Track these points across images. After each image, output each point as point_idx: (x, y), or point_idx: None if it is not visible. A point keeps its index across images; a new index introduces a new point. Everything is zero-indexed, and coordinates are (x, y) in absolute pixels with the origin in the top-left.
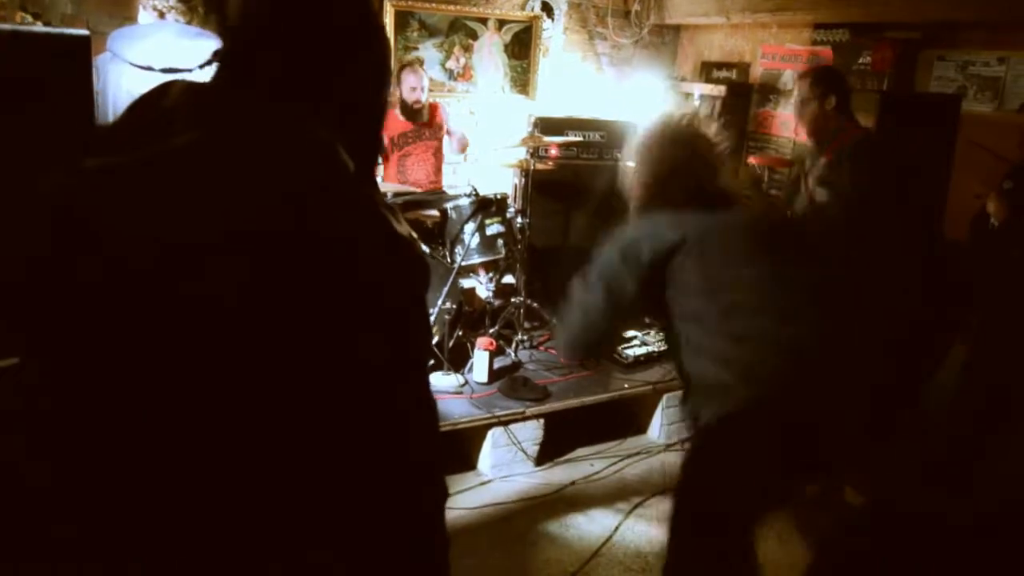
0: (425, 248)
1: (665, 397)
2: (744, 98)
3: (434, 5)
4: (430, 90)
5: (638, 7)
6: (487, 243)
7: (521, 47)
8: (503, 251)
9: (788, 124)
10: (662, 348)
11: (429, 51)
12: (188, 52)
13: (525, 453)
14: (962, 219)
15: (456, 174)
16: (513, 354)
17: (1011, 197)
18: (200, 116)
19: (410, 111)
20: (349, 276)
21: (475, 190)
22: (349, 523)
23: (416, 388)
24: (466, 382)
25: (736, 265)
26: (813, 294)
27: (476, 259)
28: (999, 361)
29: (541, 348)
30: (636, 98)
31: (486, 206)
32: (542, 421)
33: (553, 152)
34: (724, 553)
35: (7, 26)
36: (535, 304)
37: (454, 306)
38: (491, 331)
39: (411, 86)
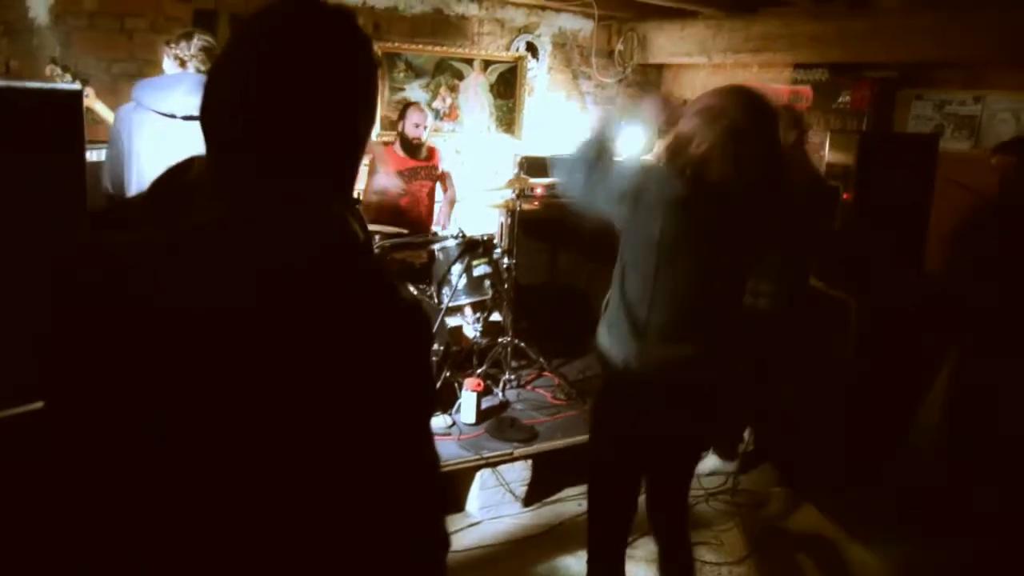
0: (413, 289)
1: None
2: None
3: (420, 46)
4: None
5: (621, 47)
6: (474, 284)
7: (506, 87)
8: (490, 292)
9: None
10: None
11: (415, 91)
12: None
13: (513, 494)
14: (941, 253)
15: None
16: (501, 394)
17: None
18: (220, 194)
19: (410, 146)
20: (360, 351)
21: (462, 232)
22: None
23: (422, 444)
24: (454, 423)
25: (690, 254)
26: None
27: (463, 300)
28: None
29: (528, 387)
30: (622, 136)
31: (473, 248)
32: (530, 462)
33: (539, 191)
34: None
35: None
36: (522, 344)
37: (441, 347)
38: (479, 371)
39: (415, 122)
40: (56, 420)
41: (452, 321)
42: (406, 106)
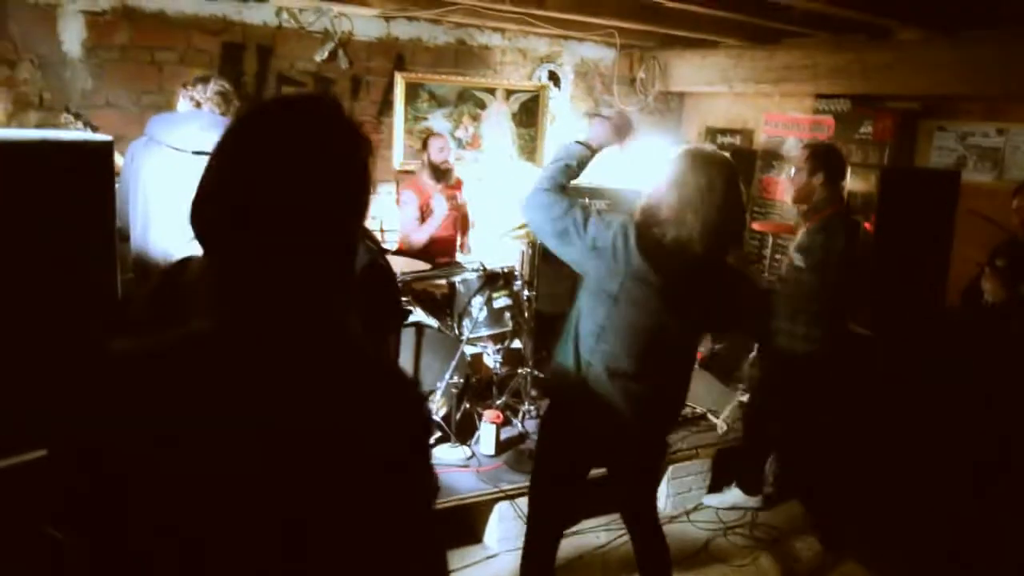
0: (434, 322)
1: (671, 468)
2: (748, 164)
3: (443, 76)
4: None
5: (643, 75)
6: (495, 316)
7: (528, 115)
8: (510, 324)
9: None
10: None
11: (438, 121)
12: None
13: None
14: (963, 287)
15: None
16: (520, 424)
17: (1005, 274)
18: (218, 301)
19: (438, 171)
20: (359, 463)
21: (483, 265)
22: None
23: (427, 541)
24: (473, 454)
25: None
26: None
27: (484, 332)
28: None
29: None
30: (643, 164)
31: (493, 280)
32: None
33: None
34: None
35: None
36: (541, 375)
37: (461, 380)
38: (498, 402)
39: (439, 147)
40: (90, 545)
41: (472, 349)
42: (426, 138)
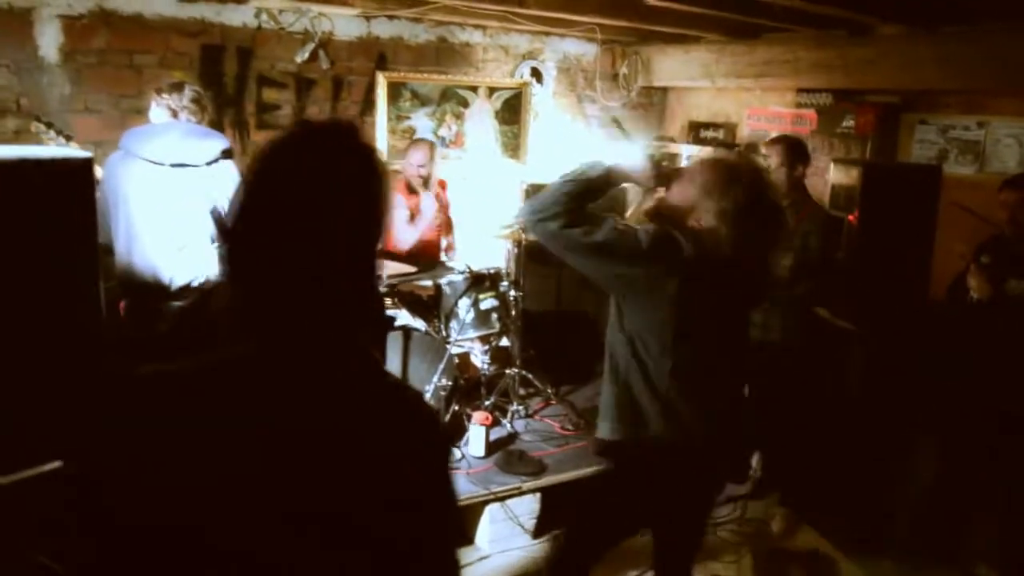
0: (421, 324)
1: None
2: None
3: (425, 75)
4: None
5: (625, 70)
6: (482, 318)
7: (511, 112)
8: (497, 325)
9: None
10: None
11: (421, 120)
12: (196, 150)
13: (523, 527)
14: (947, 278)
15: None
16: (509, 425)
17: (990, 271)
18: (246, 328)
19: (414, 186)
20: (384, 493)
21: (468, 268)
22: None
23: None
24: (463, 456)
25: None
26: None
27: (471, 333)
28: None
29: (537, 417)
30: (626, 158)
31: (480, 282)
32: (539, 495)
33: None
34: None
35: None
36: (529, 375)
37: (449, 382)
38: (487, 403)
39: (418, 163)
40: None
41: (459, 349)
42: (410, 144)
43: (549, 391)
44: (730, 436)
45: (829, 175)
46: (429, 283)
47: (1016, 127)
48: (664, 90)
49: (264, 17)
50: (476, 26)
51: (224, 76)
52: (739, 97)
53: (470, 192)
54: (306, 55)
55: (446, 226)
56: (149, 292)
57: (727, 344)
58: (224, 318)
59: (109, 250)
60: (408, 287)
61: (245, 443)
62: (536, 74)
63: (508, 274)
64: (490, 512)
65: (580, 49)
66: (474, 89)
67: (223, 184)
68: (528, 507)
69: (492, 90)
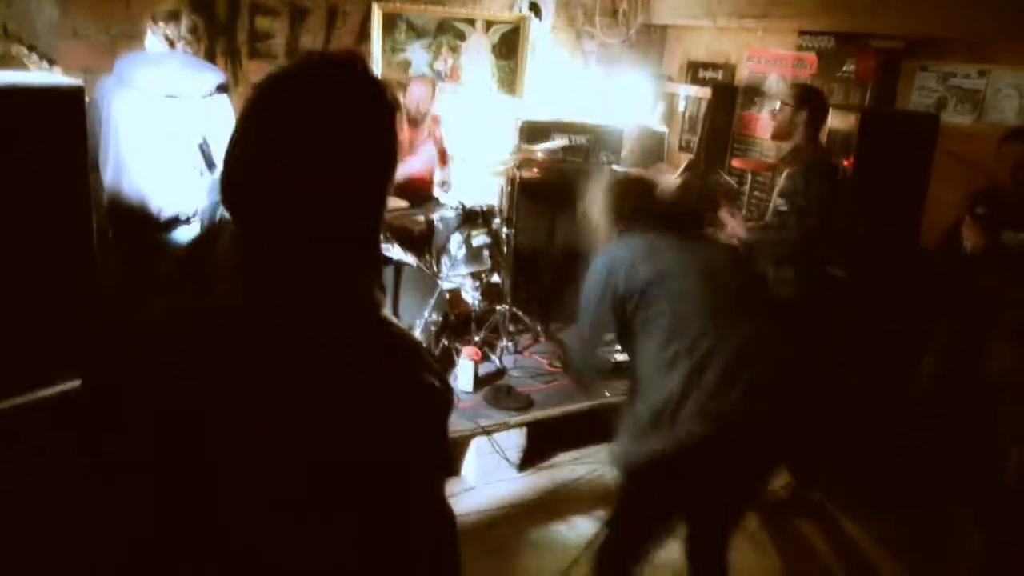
0: (413, 259)
1: None
2: (729, 99)
3: (422, 7)
4: None
5: (625, 7)
6: (473, 254)
7: (508, 47)
8: (489, 262)
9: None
10: None
11: (417, 52)
12: (191, 82)
13: (508, 460)
14: (940, 227)
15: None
16: (498, 361)
17: (985, 222)
18: (244, 277)
19: (412, 119)
20: (381, 443)
21: (461, 204)
22: None
23: (440, 507)
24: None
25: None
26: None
27: (463, 270)
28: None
29: (526, 354)
30: (623, 97)
31: (472, 218)
32: (525, 429)
33: (540, 156)
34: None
35: None
36: (519, 312)
37: (440, 317)
38: (476, 339)
39: (418, 98)
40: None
41: (450, 285)
42: (413, 78)
43: (538, 328)
44: (769, 410)
45: (826, 127)
46: (421, 218)
47: (1018, 77)
48: (664, 28)
49: None
50: None
51: (216, 3)
52: (740, 37)
53: (464, 127)
54: None
55: (441, 161)
56: (137, 221)
57: (735, 310)
58: (228, 259)
59: (96, 169)
60: (400, 222)
61: (241, 381)
62: (535, 8)
63: (501, 211)
64: (477, 445)
65: None
66: (471, 22)
67: (217, 118)
68: (515, 441)
69: (489, 24)
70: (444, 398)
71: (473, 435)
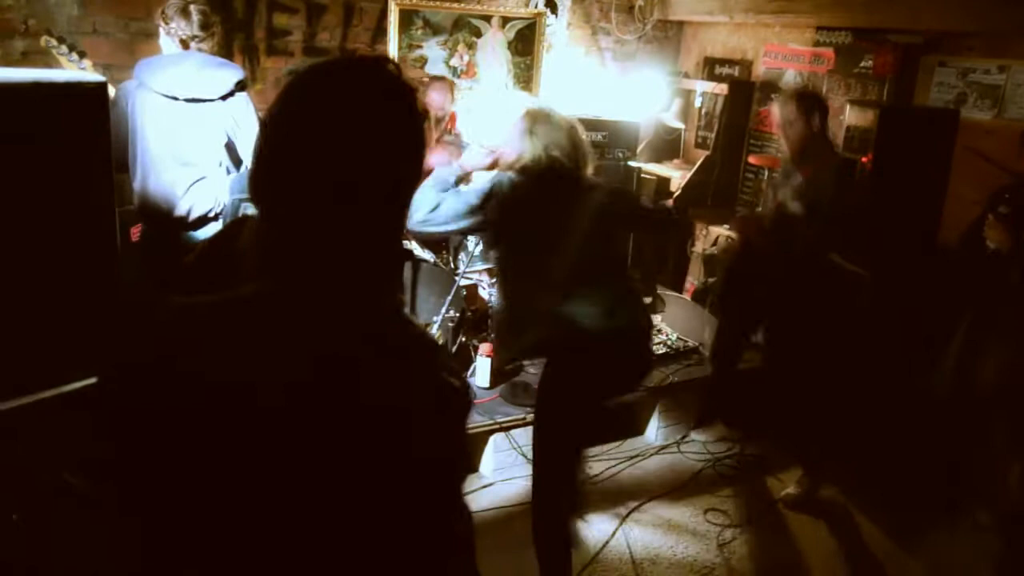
0: (430, 256)
1: (660, 401)
2: (746, 96)
3: (438, 3)
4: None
5: (642, 3)
6: None
7: (525, 44)
8: None
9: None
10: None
11: (433, 49)
12: (211, 83)
13: (525, 457)
14: (959, 224)
15: None
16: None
17: (1010, 221)
18: (265, 267)
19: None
20: (400, 440)
21: None
22: None
23: (456, 516)
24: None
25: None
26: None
27: (479, 266)
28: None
29: None
30: (639, 93)
31: None
32: None
33: None
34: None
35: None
36: None
37: (457, 314)
38: (493, 335)
39: (438, 103)
40: (124, 488)
41: (467, 281)
42: (432, 79)
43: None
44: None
45: (845, 116)
46: None
47: None
48: (680, 24)
49: None
50: None
51: (234, 0)
52: (756, 33)
53: (480, 124)
54: None
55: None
56: (166, 221)
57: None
58: (250, 254)
59: (121, 167)
60: None
61: (262, 378)
62: (551, 4)
63: None
64: (494, 441)
65: None
66: (487, 19)
67: (238, 116)
68: (531, 437)
69: (505, 20)
70: (463, 397)
71: (490, 431)
